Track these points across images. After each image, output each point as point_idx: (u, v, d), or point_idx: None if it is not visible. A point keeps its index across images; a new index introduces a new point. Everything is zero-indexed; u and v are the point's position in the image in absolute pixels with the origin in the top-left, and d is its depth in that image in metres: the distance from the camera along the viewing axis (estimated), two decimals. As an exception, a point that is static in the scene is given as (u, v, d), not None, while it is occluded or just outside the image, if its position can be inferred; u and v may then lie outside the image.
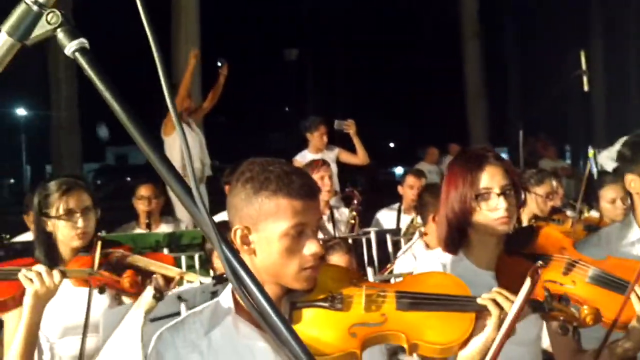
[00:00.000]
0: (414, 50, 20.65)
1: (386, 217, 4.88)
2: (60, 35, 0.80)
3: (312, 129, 5.57)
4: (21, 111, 25.02)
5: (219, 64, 5.63)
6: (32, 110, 24.38)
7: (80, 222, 2.27)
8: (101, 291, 2.25)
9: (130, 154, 33.16)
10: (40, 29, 0.80)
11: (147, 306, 1.20)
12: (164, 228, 4.25)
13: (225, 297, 1.50)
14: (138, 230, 4.17)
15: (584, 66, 4.16)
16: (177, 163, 5.31)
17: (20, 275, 1.92)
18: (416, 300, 1.54)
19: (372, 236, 3.71)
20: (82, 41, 0.80)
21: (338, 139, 6.04)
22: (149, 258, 2.46)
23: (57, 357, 2.37)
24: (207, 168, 5.66)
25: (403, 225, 4.37)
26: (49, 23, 0.80)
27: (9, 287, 1.95)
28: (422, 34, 19.40)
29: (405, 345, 1.49)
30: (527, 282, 1.48)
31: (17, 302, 1.95)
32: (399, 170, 30.08)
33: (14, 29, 0.80)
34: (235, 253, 0.74)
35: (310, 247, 1.41)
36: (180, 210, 5.36)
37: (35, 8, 0.80)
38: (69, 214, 2.27)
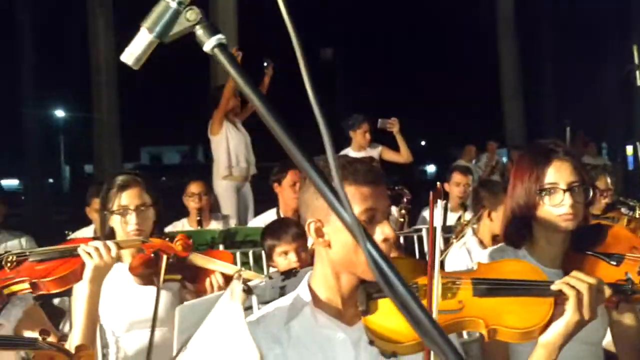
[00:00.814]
0: (448, 48, 20.47)
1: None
2: (200, 32, 0.81)
3: (355, 127, 5.58)
4: (60, 113, 25.58)
5: (265, 64, 5.66)
6: (71, 112, 24.91)
7: (133, 219, 2.32)
8: (155, 256, 2.28)
9: (165, 154, 33.67)
10: (180, 26, 0.82)
11: (240, 299, 1.23)
12: (214, 225, 4.31)
13: (303, 290, 1.53)
14: (188, 228, 4.24)
15: (637, 60, 4.07)
16: (223, 162, 5.43)
17: (80, 250, 1.98)
18: (494, 286, 1.55)
19: (424, 233, 3.70)
20: (220, 37, 0.81)
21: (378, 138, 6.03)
22: (208, 255, 2.50)
23: (122, 351, 2.44)
24: (252, 167, 5.71)
25: (450, 223, 4.35)
26: (187, 20, 0.82)
27: (69, 263, 2.00)
28: (457, 31, 19.19)
29: (484, 331, 1.50)
30: None
31: (78, 276, 2.00)
32: (431, 168, 29.91)
33: (154, 26, 0.82)
34: (380, 250, 0.75)
35: (383, 231, 1.43)
36: (226, 207, 5.45)
37: (174, 5, 0.82)
38: (123, 210, 2.33)
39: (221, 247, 3.49)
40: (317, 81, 0.80)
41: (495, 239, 3.25)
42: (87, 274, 1.97)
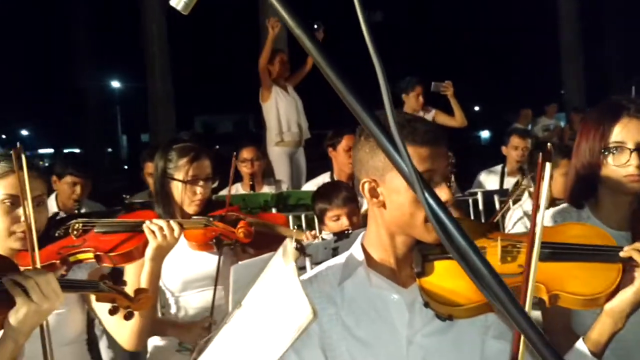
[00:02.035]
0: (504, 7, 19.71)
1: (488, 179, 4.74)
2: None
3: (408, 90, 5.47)
4: (116, 83, 26.25)
5: (315, 26, 5.59)
6: (126, 82, 25.53)
7: (199, 190, 2.38)
8: (218, 245, 2.33)
9: (218, 123, 34.14)
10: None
11: (294, 257, 1.22)
12: (267, 189, 4.34)
13: (356, 250, 1.51)
14: (241, 192, 4.29)
15: None
16: (274, 128, 5.46)
17: (145, 227, 2.01)
18: (557, 250, 1.48)
19: (479, 197, 3.61)
20: None
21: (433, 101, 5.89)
22: (262, 217, 2.52)
23: (183, 309, 2.51)
24: (304, 131, 5.71)
25: (507, 187, 4.23)
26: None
27: (134, 238, 2.04)
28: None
29: (545, 297, 1.44)
30: None
31: (141, 253, 2.03)
32: (485, 134, 29.21)
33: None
34: (440, 201, 0.72)
35: (441, 194, 1.37)
36: (280, 172, 5.49)
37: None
38: (193, 180, 2.37)
39: (274, 210, 3.51)
40: (364, 44, 0.76)
41: (553, 204, 3.14)
42: (149, 252, 2.01)
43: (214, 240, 2.27)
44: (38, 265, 1.68)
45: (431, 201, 0.71)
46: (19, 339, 1.43)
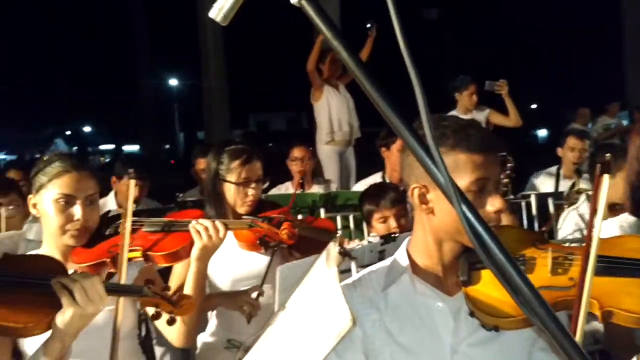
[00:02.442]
0: (562, 3, 19.08)
1: (543, 181, 4.60)
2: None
3: (462, 88, 5.37)
4: (173, 81, 26.93)
5: (368, 25, 5.56)
6: (184, 80, 26.15)
7: (251, 192, 2.42)
8: (264, 246, 2.35)
9: (271, 120, 34.55)
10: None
11: (336, 261, 1.22)
12: (316, 188, 4.36)
13: (401, 255, 1.49)
14: (291, 191, 4.31)
15: None
16: (325, 127, 5.47)
17: (191, 227, 2.04)
18: (612, 265, 1.42)
19: (532, 200, 3.51)
20: None
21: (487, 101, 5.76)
22: (312, 222, 2.52)
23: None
24: (355, 131, 5.70)
25: (562, 190, 4.09)
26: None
27: (181, 238, 2.06)
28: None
29: (597, 313, 1.39)
30: None
31: (187, 252, 2.06)
32: (542, 132, 28.39)
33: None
34: (476, 213, 0.70)
35: (493, 203, 1.35)
36: (329, 172, 5.50)
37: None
38: (245, 182, 2.42)
39: (322, 210, 3.52)
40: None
41: (613, 208, 3.02)
42: (195, 252, 2.04)
43: (259, 241, 2.29)
44: (123, 278, 1.72)
45: (468, 214, 0.69)
46: (65, 339, 1.47)
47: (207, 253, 2.05)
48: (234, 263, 2.48)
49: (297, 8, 0.78)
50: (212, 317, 2.58)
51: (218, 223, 2.06)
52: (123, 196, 3.91)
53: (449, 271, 1.43)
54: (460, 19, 19.94)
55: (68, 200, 1.90)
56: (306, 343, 1.09)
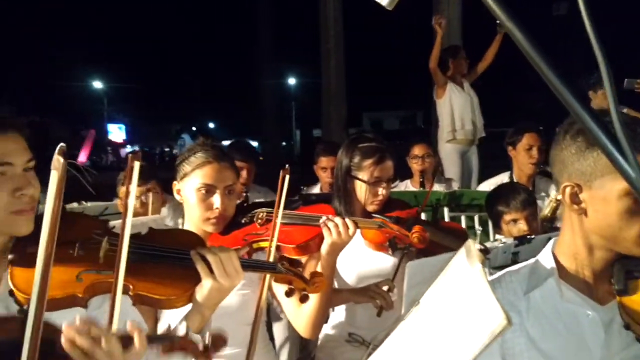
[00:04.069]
0: None
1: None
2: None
3: (597, 86, 5.01)
4: (292, 80, 27.67)
5: (498, 22, 5.34)
6: (302, 78, 26.78)
7: (382, 191, 2.40)
8: (392, 247, 2.33)
9: (385, 119, 34.52)
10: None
11: (479, 259, 1.16)
12: (437, 187, 4.25)
13: (545, 258, 1.40)
14: (411, 189, 4.25)
15: None
16: (447, 125, 5.35)
17: (322, 223, 2.07)
18: None
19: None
20: None
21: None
22: (444, 227, 2.45)
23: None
24: (479, 129, 5.52)
25: None
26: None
27: (311, 231, 2.10)
28: None
29: None
30: None
31: (317, 246, 2.09)
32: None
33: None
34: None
35: None
36: (450, 171, 5.37)
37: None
38: (377, 182, 2.40)
39: (446, 209, 3.43)
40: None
41: None
42: (325, 247, 2.06)
43: (388, 243, 2.27)
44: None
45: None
46: (205, 312, 1.52)
47: (335, 249, 2.07)
48: (361, 261, 2.48)
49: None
50: (335, 310, 2.60)
51: (348, 221, 2.07)
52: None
53: (600, 278, 1.32)
54: (595, 13, 18.64)
55: (209, 190, 2.00)
56: (451, 340, 1.06)
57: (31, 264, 1.21)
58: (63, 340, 1.20)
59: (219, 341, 1.43)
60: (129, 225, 1.30)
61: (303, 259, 2.15)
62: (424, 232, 2.19)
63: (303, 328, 2.05)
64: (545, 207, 3.07)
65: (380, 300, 2.26)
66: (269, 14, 18.38)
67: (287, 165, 1.80)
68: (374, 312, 2.32)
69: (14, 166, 1.34)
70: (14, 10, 28.02)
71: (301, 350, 3.29)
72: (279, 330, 3.26)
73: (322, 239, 2.07)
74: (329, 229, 2.05)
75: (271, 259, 1.75)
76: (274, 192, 1.84)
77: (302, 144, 27.43)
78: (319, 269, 2.09)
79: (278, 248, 2.06)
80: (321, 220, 2.08)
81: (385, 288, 2.29)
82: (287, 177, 1.78)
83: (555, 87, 0.68)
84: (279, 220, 1.78)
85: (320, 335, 2.62)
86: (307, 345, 3.29)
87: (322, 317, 2.09)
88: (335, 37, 11.00)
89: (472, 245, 1.32)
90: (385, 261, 2.43)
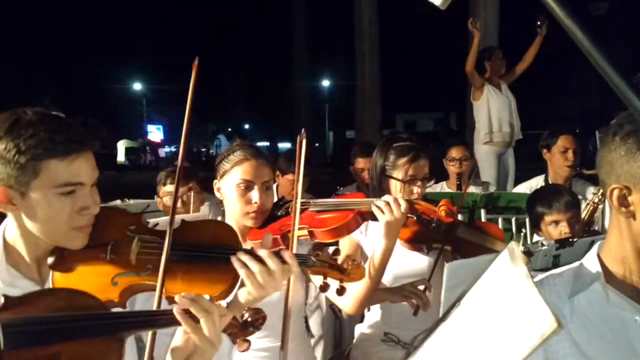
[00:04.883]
0: None
1: None
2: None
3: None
4: (326, 82, 27.75)
5: (538, 22, 5.27)
6: (335, 81, 26.83)
7: (416, 189, 2.40)
8: (429, 248, 2.31)
9: (419, 121, 34.31)
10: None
11: (523, 261, 1.15)
12: (473, 189, 4.21)
13: (591, 261, 1.37)
14: (447, 190, 4.22)
15: None
16: (483, 127, 5.29)
17: (372, 207, 2.06)
18: None
19: None
20: None
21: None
22: (479, 227, 2.42)
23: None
24: (516, 132, 5.45)
25: None
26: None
27: (342, 215, 2.09)
28: None
29: None
30: None
31: (349, 229, 2.08)
32: None
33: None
34: None
35: None
36: (486, 173, 5.31)
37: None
38: (411, 180, 2.40)
39: (482, 211, 3.39)
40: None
41: None
42: (381, 230, 2.06)
43: (417, 219, 2.22)
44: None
45: None
46: (243, 310, 1.51)
47: (391, 228, 2.05)
48: (397, 261, 2.47)
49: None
50: (371, 310, 2.60)
51: (399, 198, 2.07)
52: (285, 190, 4.05)
53: None
54: (632, 14, 18.21)
55: (247, 186, 2.07)
56: (497, 342, 1.05)
57: (69, 268, 1.34)
58: (176, 309, 1.24)
59: (258, 318, 1.42)
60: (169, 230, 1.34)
61: (336, 244, 2.15)
62: (451, 204, 2.18)
63: (348, 306, 2.09)
64: (582, 210, 3.01)
65: (416, 300, 2.25)
66: (304, 17, 18.48)
67: (303, 130, 1.78)
68: (410, 311, 2.30)
69: (84, 185, 1.36)
70: (58, 14, 28.87)
71: (335, 348, 3.29)
72: (313, 327, 3.27)
73: (352, 221, 2.06)
74: (379, 208, 2.04)
75: (296, 229, 1.73)
76: (308, 193, 1.84)
77: (335, 146, 27.46)
78: (377, 253, 2.09)
79: (312, 233, 2.07)
80: (372, 205, 2.05)
81: (421, 287, 2.27)
82: (304, 141, 1.76)
83: (617, 86, 0.67)
84: (300, 186, 1.77)
85: (356, 334, 2.63)
86: (341, 343, 3.29)
87: (366, 300, 2.10)
88: (370, 39, 11.00)
89: (516, 247, 1.31)
90: (421, 261, 2.42)
